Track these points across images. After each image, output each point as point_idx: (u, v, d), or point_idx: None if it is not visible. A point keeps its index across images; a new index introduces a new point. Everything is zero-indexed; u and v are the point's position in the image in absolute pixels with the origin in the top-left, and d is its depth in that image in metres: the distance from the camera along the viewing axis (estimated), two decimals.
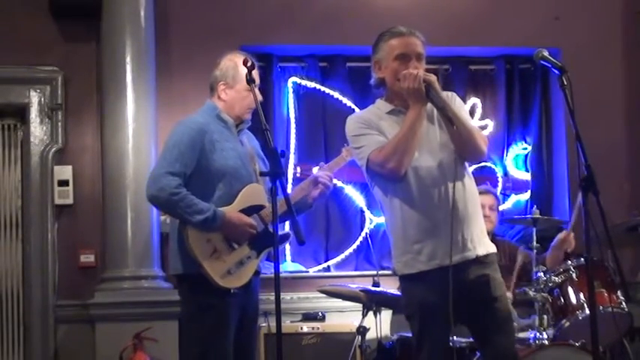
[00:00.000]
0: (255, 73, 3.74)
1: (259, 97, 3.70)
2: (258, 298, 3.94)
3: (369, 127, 3.56)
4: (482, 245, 3.55)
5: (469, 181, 3.57)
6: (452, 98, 3.59)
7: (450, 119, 3.38)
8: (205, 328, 3.72)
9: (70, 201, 5.63)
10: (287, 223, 6.00)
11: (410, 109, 3.46)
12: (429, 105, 3.47)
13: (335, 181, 5.98)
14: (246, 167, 3.86)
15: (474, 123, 5.50)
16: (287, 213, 3.51)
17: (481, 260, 3.52)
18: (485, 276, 3.51)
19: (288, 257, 5.98)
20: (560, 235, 4.78)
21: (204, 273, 3.69)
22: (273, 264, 3.34)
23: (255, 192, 3.86)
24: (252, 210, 3.82)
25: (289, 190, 4.69)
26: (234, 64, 3.89)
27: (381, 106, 3.65)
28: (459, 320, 3.50)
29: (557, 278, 4.56)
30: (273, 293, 3.27)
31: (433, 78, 3.45)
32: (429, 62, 6.45)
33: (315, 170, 5.94)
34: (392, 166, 3.43)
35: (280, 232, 3.91)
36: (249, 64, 3.62)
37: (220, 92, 3.91)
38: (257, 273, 3.89)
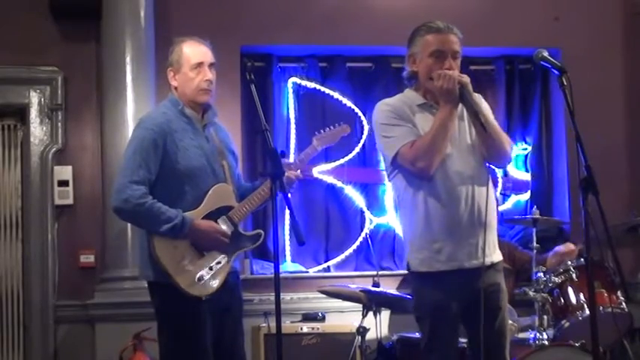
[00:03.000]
0: (200, 51, 3.75)
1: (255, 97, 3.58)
2: (240, 296, 3.87)
3: (401, 117, 3.52)
4: (496, 253, 3.58)
5: (491, 186, 3.58)
6: (479, 100, 3.59)
7: (481, 123, 3.37)
8: (179, 336, 3.64)
9: (70, 201, 5.62)
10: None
11: (441, 108, 3.44)
12: (460, 105, 3.46)
13: (334, 181, 6.03)
14: (212, 165, 3.75)
15: None
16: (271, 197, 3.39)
17: (495, 267, 3.54)
18: (497, 285, 3.54)
19: (288, 257, 5.97)
20: (567, 249, 4.81)
21: (173, 282, 3.61)
22: (273, 264, 3.32)
23: (223, 193, 3.76)
24: (220, 212, 3.74)
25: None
26: (179, 48, 3.80)
27: (411, 96, 3.61)
28: (462, 321, 3.53)
29: (557, 278, 4.57)
30: (273, 293, 3.28)
31: (467, 80, 3.44)
32: None
33: (314, 171, 6.00)
34: (422, 165, 3.42)
35: (251, 233, 3.87)
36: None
37: (171, 80, 3.81)
38: (234, 272, 3.80)
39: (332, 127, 4.16)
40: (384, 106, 3.60)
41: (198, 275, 3.64)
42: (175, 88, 3.81)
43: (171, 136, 3.67)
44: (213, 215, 3.71)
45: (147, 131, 3.68)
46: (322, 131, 4.14)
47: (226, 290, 3.73)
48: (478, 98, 3.57)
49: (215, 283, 3.68)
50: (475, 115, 3.39)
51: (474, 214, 3.44)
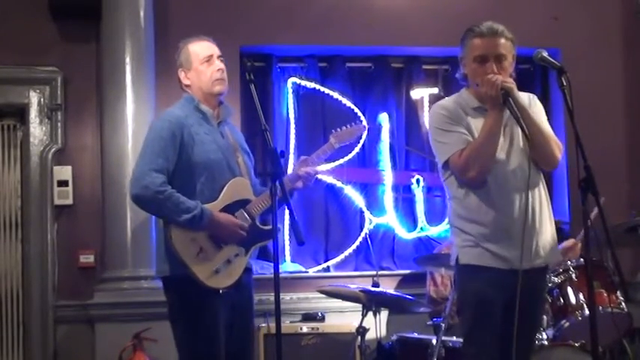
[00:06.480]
0: (207, 46, 3.86)
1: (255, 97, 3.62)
2: (251, 295, 3.87)
3: (457, 122, 3.53)
4: (553, 254, 3.60)
5: (543, 189, 3.58)
6: (532, 101, 3.60)
7: (522, 129, 3.39)
8: (196, 329, 3.65)
9: (69, 201, 5.63)
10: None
11: (488, 115, 3.47)
12: None
13: (334, 181, 6.03)
14: (228, 160, 3.79)
15: None
16: (281, 201, 3.44)
17: (545, 272, 3.61)
18: (542, 293, 3.63)
19: (288, 257, 5.97)
20: (568, 243, 4.80)
21: (190, 274, 3.62)
22: (272, 264, 3.33)
23: (241, 186, 3.80)
24: (237, 205, 3.76)
25: None
26: (185, 48, 3.93)
27: (467, 98, 3.62)
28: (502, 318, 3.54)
29: (556, 278, 4.56)
30: (273, 293, 3.28)
31: (511, 85, 3.44)
32: (428, 62, 6.52)
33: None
34: (471, 175, 3.46)
35: (268, 227, 3.86)
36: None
37: (183, 80, 3.91)
38: (249, 270, 3.83)
39: (349, 125, 4.18)
40: (440, 109, 3.61)
41: (215, 267, 3.66)
42: (188, 86, 3.90)
43: (188, 129, 3.74)
44: (230, 208, 3.74)
45: (164, 122, 3.76)
46: (339, 129, 4.14)
47: (237, 288, 3.74)
48: (530, 99, 3.60)
49: (232, 276, 3.71)
50: (517, 120, 3.41)
51: (528, 217, 3.43)
